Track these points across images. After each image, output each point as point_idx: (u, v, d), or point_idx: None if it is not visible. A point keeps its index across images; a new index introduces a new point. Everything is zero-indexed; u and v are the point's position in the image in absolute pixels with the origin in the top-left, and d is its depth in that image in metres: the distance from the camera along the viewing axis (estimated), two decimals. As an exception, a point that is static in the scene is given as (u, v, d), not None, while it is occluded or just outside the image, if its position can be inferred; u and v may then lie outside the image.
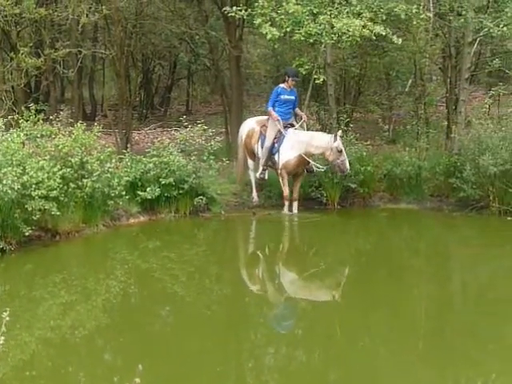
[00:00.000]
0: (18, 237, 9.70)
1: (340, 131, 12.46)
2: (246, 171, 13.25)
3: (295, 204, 12.45)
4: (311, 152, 12.32)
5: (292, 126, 12.61)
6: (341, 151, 12.05)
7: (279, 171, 12.49)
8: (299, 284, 9.47)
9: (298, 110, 12.83)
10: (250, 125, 13.18)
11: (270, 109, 12.54)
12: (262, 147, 12.60)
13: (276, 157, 12.49)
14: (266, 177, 12.75)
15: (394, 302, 8.30)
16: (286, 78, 12.61)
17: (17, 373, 6.11)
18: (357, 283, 9.12)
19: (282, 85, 12.66)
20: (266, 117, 12.92)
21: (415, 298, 8.73)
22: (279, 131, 12.42)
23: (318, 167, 12.44)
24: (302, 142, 12.27)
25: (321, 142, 12.21)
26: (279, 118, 12.41)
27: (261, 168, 12.66)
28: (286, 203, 12.43)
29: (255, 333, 7.46)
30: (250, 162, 13.10)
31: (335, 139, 12.02)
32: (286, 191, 12.47)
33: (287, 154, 12.34)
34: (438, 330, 7.39)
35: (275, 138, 12.46)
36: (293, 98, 12.65)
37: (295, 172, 12.53)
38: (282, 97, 12.51)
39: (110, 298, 8.44)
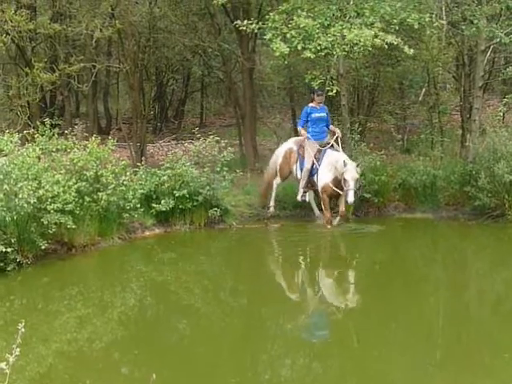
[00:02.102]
0: (34, 250, 9.75)
1: (348, 161, 11.66)
2: (269, 192, 12.85)
3: (338, 218, 12.08)
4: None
5: (332, 146, 12.17)
6: (346, 181, 11.48)
7: (320, 194, 12.13)
8: (315, 293, 9.45)
9: (331, 127, 12.51)
10: (287, 146, 12.81)
11: (300, 128, 12.37)
12: (301, 169, 12.24)
13: (315, 178, 12.14)
14: (307, 199, 12.43)
15: (411, 310, 8.27)
16: (312, 96, 12.46)
17: (34, 386, 6.15)
18: (373, 292, 9.08)
19: (310, 104, 12.46)
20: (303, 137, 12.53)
21: (432, 307, 8.70)
22: (318, 151, 12.08)
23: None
24: (336, 163, 11.80)
25: (340, 166, 11.68)
26: (308, 135, 12.19)
27: (301, 190, 12.27)
28: (326, 223, 11.98)
29: (271, 345, 7.44)
30: (278, 180, 12.75)
31: (344, 165, 11.53)
32: (327, 216, 12.00)
33: (325, 177, 11.97)
34: (455, 338, 7.35)
35: (314, 159, 12.09)
36: (324, 115, 12.41)
37: (336, 194, 11.95)
38: (313, 115, 12.29)
39: (125, 311, 8.47)
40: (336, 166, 11.72)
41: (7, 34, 13.06)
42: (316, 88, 12.15)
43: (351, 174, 11.49)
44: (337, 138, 12.17)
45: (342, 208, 12.01)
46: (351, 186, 11.45)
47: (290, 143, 12.83)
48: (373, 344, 7.08)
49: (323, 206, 12.07)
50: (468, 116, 14.68)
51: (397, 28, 11.99)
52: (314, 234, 12.07)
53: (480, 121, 13.91)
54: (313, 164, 12.08)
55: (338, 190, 11.77)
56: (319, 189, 12.07)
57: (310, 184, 12.23)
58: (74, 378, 6.32)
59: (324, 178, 11.97)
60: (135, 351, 7.00)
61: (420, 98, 17.18)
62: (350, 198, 11.48)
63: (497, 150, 12.35)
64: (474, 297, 9.32)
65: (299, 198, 12.30)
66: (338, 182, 11.72)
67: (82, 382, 6.21)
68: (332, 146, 12.15)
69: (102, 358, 6.87)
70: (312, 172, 12.13)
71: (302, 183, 12.23)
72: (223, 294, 9.25)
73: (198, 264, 10.66)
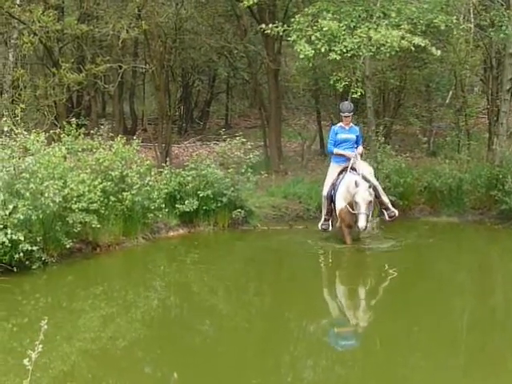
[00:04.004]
0: (59, 249, 9.82)
1: (360, 181, 10.58)
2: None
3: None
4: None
5: (354, 169, 11.14)
6: (356, 203, 10.44)
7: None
8: (339, 296, 9.41)
9: (358, 148, 11.39)
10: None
11: (332, 151, 11.36)
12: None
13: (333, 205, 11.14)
14: (330, 228, 11.35)
15: (436, 315, 8.18)
16: (341, 115, 11.59)
17: (57, 384, 6.18)
18: (396, 297, 9.03)
19: (339, 123, 11.59)
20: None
21: (458, 312, 8.60)
22: (338, 176, 11.15)
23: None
24: (349, 186, 10.80)
25: (352, 188, 10.64)
26: (332, 159, 11.38)
27: (322, 218, 11.38)
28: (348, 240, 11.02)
29: (293, 347, 7.42)
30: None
31: (356, 185, 10.50)
32: (348, 241, 10.99)
33: (339, 203, 10.98)
34: (480, 344, 7.27)
35: (333, 185, 11.14)
36: (352, 136, 11.32)
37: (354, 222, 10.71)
38: (339, 136, 11.31)
39: (149, 311, 8.49)
40: (349, 189, 10.71)
41: (35, 34, 13.18)
42: (343, 107, 11.41)
43: (362, 195, 10.45)
44: (354, 160, 11.10)
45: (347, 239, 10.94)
46: (362, 209, 10.35)
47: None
48: (396, 348, 7.02)
49: (344, 238, 11.03)
50: (495, 119, 14.54)
51: (423, 29, 11.90)
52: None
53: (507, 124, 13.76)
54: (331, 190, 11.13)
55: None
56: (336, 215, 11.12)
57: (332, 211, 11.19)
58: (96, 377, 6.34)
59: (339, 205, 10.95)
60: (158, 351, 7.01)
61: (447, 101, 17.05)
62: (361, 223, 10.33)
63: (524, 154, 12.23)
64: (501, 302, 9.21)
65: (319, 226, 11.36)
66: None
67: (105, 380, 6.24)
68: (354, 169, 11.10)
69: (124, 357, 6.89)
70: (332, 198, 11.12)
71: (323, 210, 11.37)
72: (246, 296, 9.24)
73: (222, 265, 10.66)
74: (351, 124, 11.49)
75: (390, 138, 14.70)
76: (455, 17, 12.06)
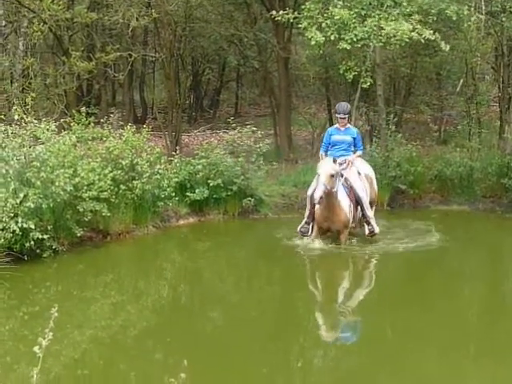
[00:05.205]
0: (70, 237, 9.87)
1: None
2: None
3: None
4: None
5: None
6: (318, 176, 9.84)
7: None
8: (350, 284, 9.41)
9: (354, 155, 10.71)
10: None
11: (321, 154, 10.60)
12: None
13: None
14: (310, 232, 10.45)
15: (446, 304, 8.17)
16: (336, 116, 10.93)
17: (69, 371, 6.22)
18: (408, 287, 9.02)
19: (336, 125, 10.92)
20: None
21: (469, 301, 8.60)
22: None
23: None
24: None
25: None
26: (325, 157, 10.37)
27: (303, 221, 10.54)
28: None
29: (303, 335, 7.42)
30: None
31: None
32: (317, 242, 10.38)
33: (309, 192, 10.42)
34: (492, 333, 7.26)
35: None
36: (348, 138, 10.63)
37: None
38: (333, 137, 10.65)
39: (159, 299, 8.54)
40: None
41: (45, 23, 13.20)
42: (339, 108, 10.65)
43: (324, 168, 9.85)
44: (341, 169, 10.23)
45: (342, 237, 10.29)
46: (322, 179, 9.69)
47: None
48: (408, 337, 7.01)
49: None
50: (507, 107, 14.46)
51: (435, 19, 11.83)
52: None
53: (519, 112, 13.71)
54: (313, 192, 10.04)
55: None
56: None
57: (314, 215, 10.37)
58: (107, 364, 6.39)
59: (309, 192, 10.37)
60: (168, 338, 7.03)
61: (458, 89, 16.95)
62: (316, 193, 9.66)
63: (536, 142, 12.17)
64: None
65: (298, 228, 10.55)
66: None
67: (115, 367, 6.27)
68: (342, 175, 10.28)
69: (135, 344, 6.93)
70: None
71: (306, 212, 10.53)
72: (256, 284, 9.25)
73: (232, 253, 10.68)
74: (348, 125, 10.75)
75: (401, 127, 14.64)
76: (466, 7, 11.97)
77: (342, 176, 10.26)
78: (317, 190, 9.73)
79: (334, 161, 9.94)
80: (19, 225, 8.93)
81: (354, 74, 12.15)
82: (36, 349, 3.56)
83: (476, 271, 9.87)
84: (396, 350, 6.76)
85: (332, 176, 9.82)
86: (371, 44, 11.87)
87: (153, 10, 13.75)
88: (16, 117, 10.07)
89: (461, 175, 13.15)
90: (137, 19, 13.43)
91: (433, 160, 13.62)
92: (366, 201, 10.59)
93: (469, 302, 8.57)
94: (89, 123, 11.52)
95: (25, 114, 10.15)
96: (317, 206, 10.15)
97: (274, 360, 6.54)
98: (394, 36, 11.34)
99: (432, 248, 10.33)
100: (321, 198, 9.72)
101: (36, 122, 10.20)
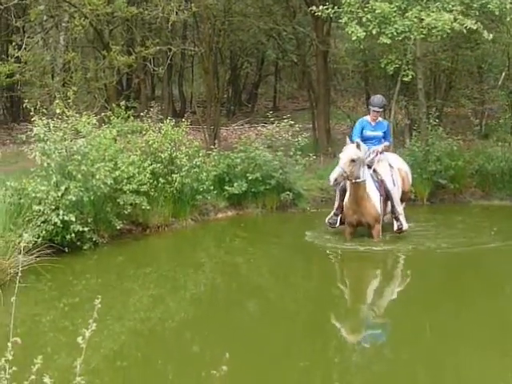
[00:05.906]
0: (110, 230, 9.97)
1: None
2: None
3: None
4: None
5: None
6: (339, 159, 9.61)
7: None
8: (385, 279, 9.35)
9: (379, 146, 10.31)
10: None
11: (355, 140, 9.88)
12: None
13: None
14: (338, 224, 10.37)
15: (484, 304, 8.06)
16: (370, 108, 10.52)
17: (108, 363, 6.29)
18: (444, 286, 8.90)
19: (367, 117, 10.53)
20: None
21: (508, 301, 8.46)
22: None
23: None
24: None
25: None
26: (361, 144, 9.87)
27: (332, 212, 10.42)
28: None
29: (341, 330, 7.39)
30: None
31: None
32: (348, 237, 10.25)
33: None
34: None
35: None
36: (379, 133, 10.32)
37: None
38: (365, 133, 10.29)
39: (197, 292, 8.58)
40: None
41: (85, 17, 13.31)
42: (374, 100, 10.38)
43: (346, 152, 9.56)
44: (373, 157, 10.04)
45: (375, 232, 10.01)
46: (341, 163, 9.42)
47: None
48: (446, 337, 6.94)
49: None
50: (549, 101, 14.20)
51: (477, 13, 11.66)
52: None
53: (563, 106, 13.45)
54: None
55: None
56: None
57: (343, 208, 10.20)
58: (145, 357, 6.43)
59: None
60: (206, 332, 7.06)
61: (499, 83, 16.68)
62: (332, 175, 9.44)
63: None
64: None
65: (326, 220, 10.44)
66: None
67: (154, 360, 6.32)
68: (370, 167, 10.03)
69: (173, 337, 6.97)
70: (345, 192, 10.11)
71: (336, 204, 10.38)
72: (294, 278, 9.23)
73: (269, 247, 10.66)
74: (379, 119, 10.44)
75: (442, 121, 14.45)
76: (509, 0, 11.76)
77: (369, 167, 9.97)
78: (333, 172, 9.49)
79: (358, 146, 9.61)
80: (60, 217, 9.05)
81: (395, 66, 12.04)
82: (79, 339, 3.59)
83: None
84: (437, 349, 6.69)
85: (353, 161, 9.46)
86: (412, 37, 11.74)
87: (192, 4, 13.81)
88: (57, 111, 10.20)
89: (502, 170, 12.97)
90: (176, 13, 13.48)
91: (474, 154, 13.45)
92: (396, 196, 10.27)
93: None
94: (128, 117, 11.62)
95: (66, 107, 10.28)
96: (345, 200, 9.95)
97: (311, 354, 6.52)
98: (435, 27, 11.19)
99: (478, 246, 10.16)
100: (335, 180, 9.45)
101: (77, 115, 10.32)
